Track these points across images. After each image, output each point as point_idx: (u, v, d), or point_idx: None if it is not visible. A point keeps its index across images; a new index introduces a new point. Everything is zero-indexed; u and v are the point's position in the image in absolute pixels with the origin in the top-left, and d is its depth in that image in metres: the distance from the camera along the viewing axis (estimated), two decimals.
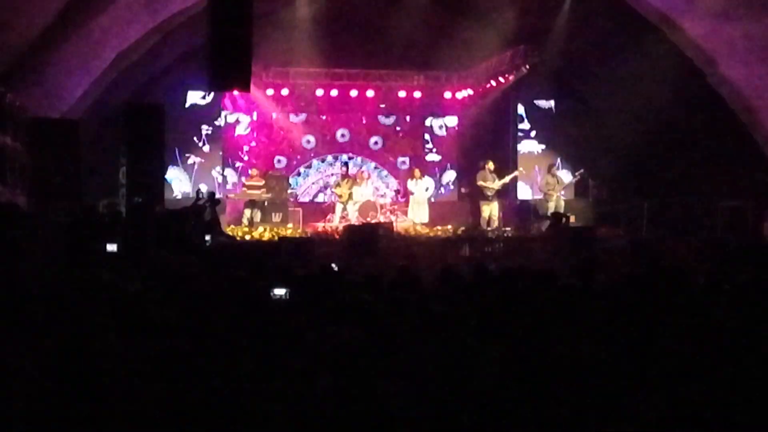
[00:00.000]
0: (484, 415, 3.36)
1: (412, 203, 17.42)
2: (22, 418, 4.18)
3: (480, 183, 16.83)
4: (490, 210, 16.65)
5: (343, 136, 19.92)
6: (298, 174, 19.75)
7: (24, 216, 5.45)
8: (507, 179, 17.08)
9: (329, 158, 19.87)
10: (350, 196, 17.10)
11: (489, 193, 16.63)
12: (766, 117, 14.80)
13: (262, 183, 17.21)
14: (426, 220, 17.20)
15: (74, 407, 3.49)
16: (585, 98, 19.41)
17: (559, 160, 19.25)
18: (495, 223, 16.67)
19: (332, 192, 17.87)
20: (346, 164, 18.05)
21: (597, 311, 6.67)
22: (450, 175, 20.70)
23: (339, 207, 17.23)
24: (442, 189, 20.66)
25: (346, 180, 17.30)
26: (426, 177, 18.31)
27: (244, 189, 17.44)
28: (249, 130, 19.36)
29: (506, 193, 17.99)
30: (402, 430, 3.25)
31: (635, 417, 3.68)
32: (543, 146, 19.86)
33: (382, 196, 18.51)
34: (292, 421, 3.85)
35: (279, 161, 19.64)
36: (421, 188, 17.45)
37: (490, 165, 16.93)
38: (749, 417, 3.15)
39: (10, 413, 4.25)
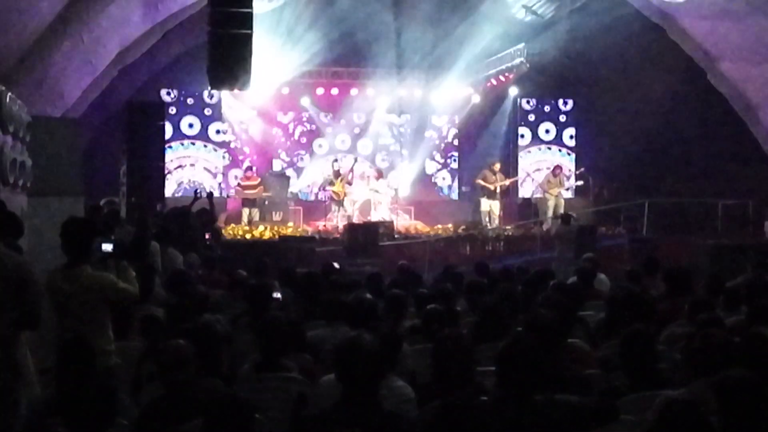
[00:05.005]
0: (484, 415, 3.35)
1: (374, 202, 17.28)
2: (23, 417, 4.18)
3: (479, 181, 16.91)
4: (490, 205, 16.68)
5: (343, 134, 19.89)
6: (299, 173, 19.73)
7: (8, 213, 5.44)
8: (507, 182, 17.10)
9: (330, 157, 19.84)
10: (345, 194, 17.06)
11: (485, 193, 16.71)
12: (766, 115, 14.79)
13: (257, 182, 17.17)
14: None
15: (74, 406, 3.49)
16: (585, 97, 19.41)
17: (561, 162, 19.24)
18: (495, 220, 16.70)
19: (327, 190, 17.85)
20: (336, 161, 18.02)
21: (597, 310, 6.69)
22: (449, 174, 20.70)
23: (334, 206, 17.19)
24: (443, 188, 20.66)
25: (339, 178, 17.26)
26: (386, 178, 18.16)
27: (239, 188, 17.43)
28: (249, 129, 19.35)
29: (501, 191, 18.02)
30: (402, 429, 3.25)
31: (635, 417, 3.68)
32: (545, 146, 19.84)
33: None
34: (293, 420, 3.85)
35: (279, 160, 19.63)
36: (382, 186, 17.32)
37: (496, 166, 17.01)
38: (750, 416, 3.15)
39: (12, 412, 4.25)
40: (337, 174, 17.34)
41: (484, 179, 16.81)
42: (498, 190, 16.85)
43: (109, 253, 5.08)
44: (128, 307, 5.40)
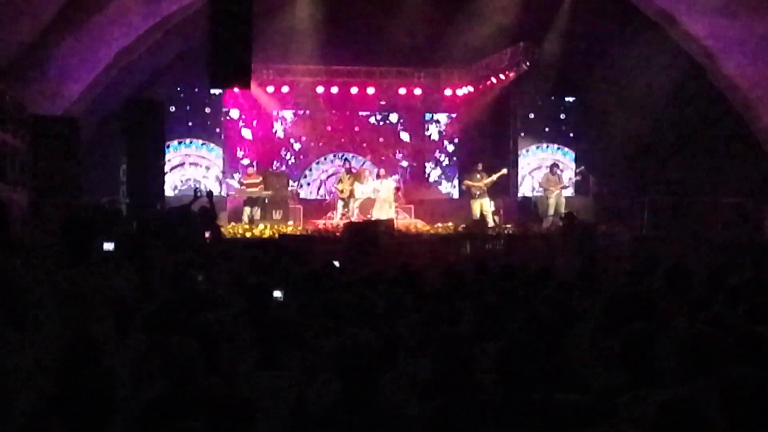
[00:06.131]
0: (483, 414, 3.36)
1: (378, 202, 17.29)
2: (22, 417, 4.18)
3: (466, 182, 17.08)
4: (480, 206, 16.79)
5: (343, 133, 19.89)
6: (299, 171, 19.74)
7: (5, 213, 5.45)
8: (494, 177, 17.15)
9: (330, 155, 19.84)
10: (352, 192, 17.11)
11: (476, 192, 16.79)
12: (765, 113, 14.78)
13: (259, 180, 17.22)
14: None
15: (75, 405, 3.49)
16: (585, 95, 19.40)
17: (561, 159, 19.25)
18: (490, 219, 16.77)
19: (334, 188, 17.90)
20: (347, 160, 18.06)
21: (597, 308, 6.68)
22: (449, 173, 20.70)
23: (340, 203, 17.25)
24: (443, 186, 20.66)
25: (348, 176, 17.33)
26: (390, 177, 18.19)
27: (242, 187, 17.45)
28: (249, 127, 19.35)
29: (501, 190, 18.07)
30: (403, 428, 3.25)
31: (635, 415, 3.68)
32: (545, 144, 19.86)
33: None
34: (293, 418, 3.86)
35: (279, 158, 19.64)
36: (386, 188, 17.34)
37: (479, 165, 17.22)
38: (751, 416, 3.14)
39: (11, 411, 4.25)
40: (348, 171, 17.40)
41: (471, 180, 16.96)
42: (486, 188, 16.91)
43: (111, 252, 5.07)
44: (129, 305, 5.41)
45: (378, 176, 17.50)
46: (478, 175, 17.00)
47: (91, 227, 5.06)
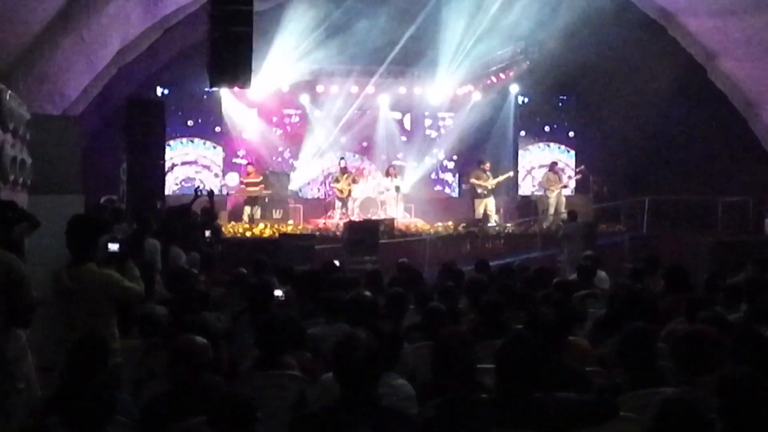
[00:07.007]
0: (484, 412, 3.36)
1: (388, 200, 17.35)
2: (24, 417, 4.18)
3: (473, 181, 17.01)
4: (485, 205, 16.77)
5: (343, 132, 19.88)
6: (299, 170, 19.73)
7: (23, 213, 5.45)
8: (501, 179, 17.16)
9: (330, 155, 19.83)
10: (350, 192, 17.12)
11: (481, 191, 16.76)
12: (766, 112, 14.77)
13: (259, 180, 17.23)
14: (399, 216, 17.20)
15: (76, 405, 3.49)
16: (585, 94, 19.40)
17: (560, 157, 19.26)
18: (492, 219, 16.75)
19: (332, 188, 17.90)
20: (343, 159, 18.07)
21: (597, 308, 6.70)
22: (450, 172, 20.69)
23: (338, 203, 17.26)
24: (443, 186, 20.66)
25: (345, 176, 17.34)
26: (399, 176, 18.23)
27: (242, 186, 17.45)
28: (249, 127, 19.33)
29: (505, 190, 18.05)
30: (402, 427, 3.26)
31: (633, 413, 3.69)
32: (545, 143, 19.86)
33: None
34: (293, 418, 3.86)
35: (278, 158, 19.63)
36: (391, 185, 17.37)
37: (486, 165, 17.10)
38: (750, 414, 3.15)
39: (13, 411, 4.26)
40: (344, 171, 17.40)
41: (477, 179, 16.90)
42: (491, 188, 16.91)
43: (115, 253, 5.06)
44: (130, 305, 5.41)
45: (388, 174, 17.53)
46: (485, 175, 16.96)
47: (96, 227, 5.06)
